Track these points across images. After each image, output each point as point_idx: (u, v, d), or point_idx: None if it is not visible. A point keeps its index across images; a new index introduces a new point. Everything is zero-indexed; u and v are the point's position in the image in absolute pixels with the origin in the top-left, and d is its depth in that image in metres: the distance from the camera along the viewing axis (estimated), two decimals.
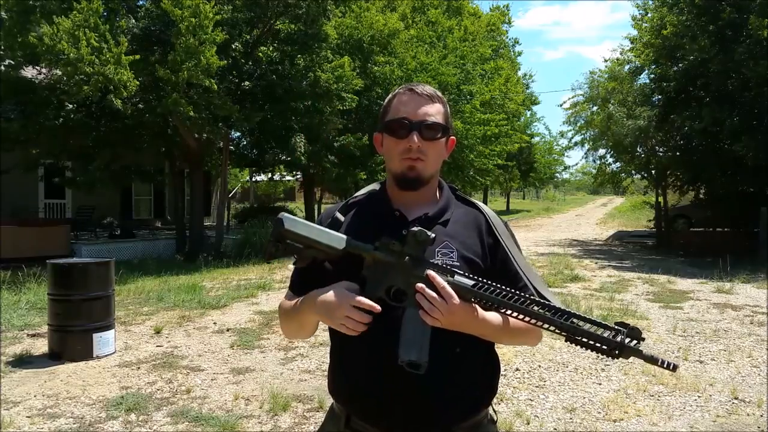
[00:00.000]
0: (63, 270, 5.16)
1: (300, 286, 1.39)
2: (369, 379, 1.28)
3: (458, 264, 1.29)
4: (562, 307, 1.14)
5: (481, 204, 1.45)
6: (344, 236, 1.26)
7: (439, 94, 1.38)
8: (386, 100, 1.39)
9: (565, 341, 1.15)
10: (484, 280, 1.17)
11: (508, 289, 1.17)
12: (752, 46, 11.44)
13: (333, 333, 1.39)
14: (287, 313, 1.40)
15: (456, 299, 1.16)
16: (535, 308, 1.15)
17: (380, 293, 1.22)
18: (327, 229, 1.28)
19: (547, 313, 1.14)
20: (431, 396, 1.25)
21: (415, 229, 1.19)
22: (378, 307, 1.18)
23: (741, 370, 4.73)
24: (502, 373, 4.57)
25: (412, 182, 1.32)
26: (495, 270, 1.33)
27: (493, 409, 1.41)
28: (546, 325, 1.14)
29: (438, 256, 1.28)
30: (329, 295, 1.23)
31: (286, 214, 1.30)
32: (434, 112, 1.33)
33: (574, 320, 1.13)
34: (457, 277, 1.18)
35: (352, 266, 1.25)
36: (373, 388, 1.28)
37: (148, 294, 8.11)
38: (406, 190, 1.35)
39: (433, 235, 1.19)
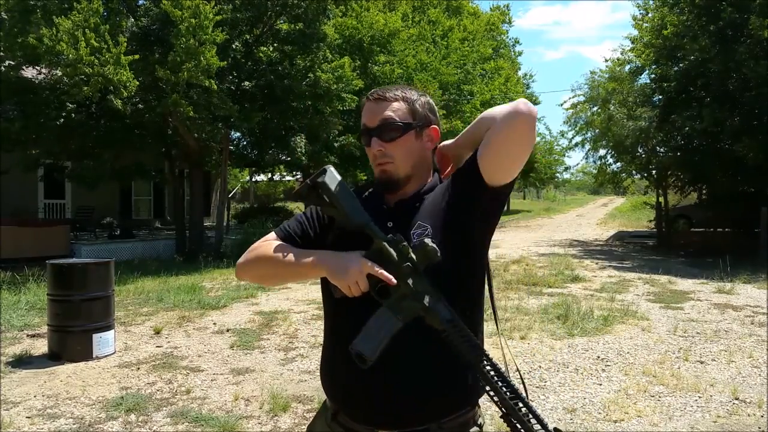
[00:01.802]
0: (63, 270, 5.16)
1: (292, 236, 1.41)
2: (352, 375, 1.28)
3: (436, 241, 1.28)
4: (514, 386, 1.16)
5: None
6: (366, 215, 1.27)
7: (400, 92, 1.37)
8: None
9: (500, 417, 1.17)
10: (459, 325, 1.18)
11: (476, 344, 1.18)
12: (753, 46, 11.43)
13: (326, 323, 1.42)
14: (279, 260, 1.34)
15: None
16: (493, 372, 1.16)
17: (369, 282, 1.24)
18: (356, 200, 1.29)
19: (500, 384, 1.16)
20: (412, 392, 1.26)
21: (429, 244, 1.19)
22: (394, 281, 1.20)
23: (742, 370, 4.72)
24: None
25: (387, 185, 1.36)
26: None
27: (480, 414, 1.40)
28: (491, 393, 1.16)
29: (414, 237, 1.29)
30: (351, 256, 1.24)
31: (332, 169, 1.32)
32: (390, 112, 1.34)
33: (519, 403, 1.15)
34: (438, 304, 1.19)
35: (357, 242, 1.26)
36: (355, 384, 1.30)
37: (148, 294, 8.10)
38: (386, 192, 1.38)
39: (440, 258, 1.19)
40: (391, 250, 1.22)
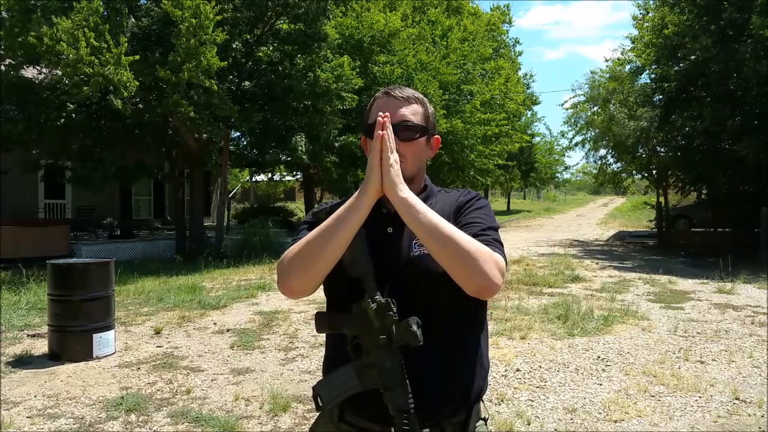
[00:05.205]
0: (63, 270, 5.15)
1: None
2: None
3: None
4: None
5: (465, 190, 1.48)
6: (369, 266, 1.25)
7: (418, 95, 1.41)
8: (368, 105, 1.44)
9: None
10: (411, 417, 1.18)
11: None
12: (754, 46, 11.42)
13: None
14: (316, 235, 1.26)
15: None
16: None
17: (346, 331, 1.26)
18: (364, 245, 1.27)
19: None
20: (422, 391, 1.26)
21: (412, 327, 1.16)
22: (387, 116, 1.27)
23: (742, 370, 4.72)
24: (503, 373, 4.59)
25: None
26: None
27: (484, 406, 1.42)
28: None
29: (415, 247, 1.32)
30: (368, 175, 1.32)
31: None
32: (410, 113, 1.37)
33: None
34: (398, 388, 1.20)
35: (355, 286, 1.26)
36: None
37: (148, 294, 8.10)
38: None
39: (421, 342, 1.16)
40: (375, 317, 1.20)
